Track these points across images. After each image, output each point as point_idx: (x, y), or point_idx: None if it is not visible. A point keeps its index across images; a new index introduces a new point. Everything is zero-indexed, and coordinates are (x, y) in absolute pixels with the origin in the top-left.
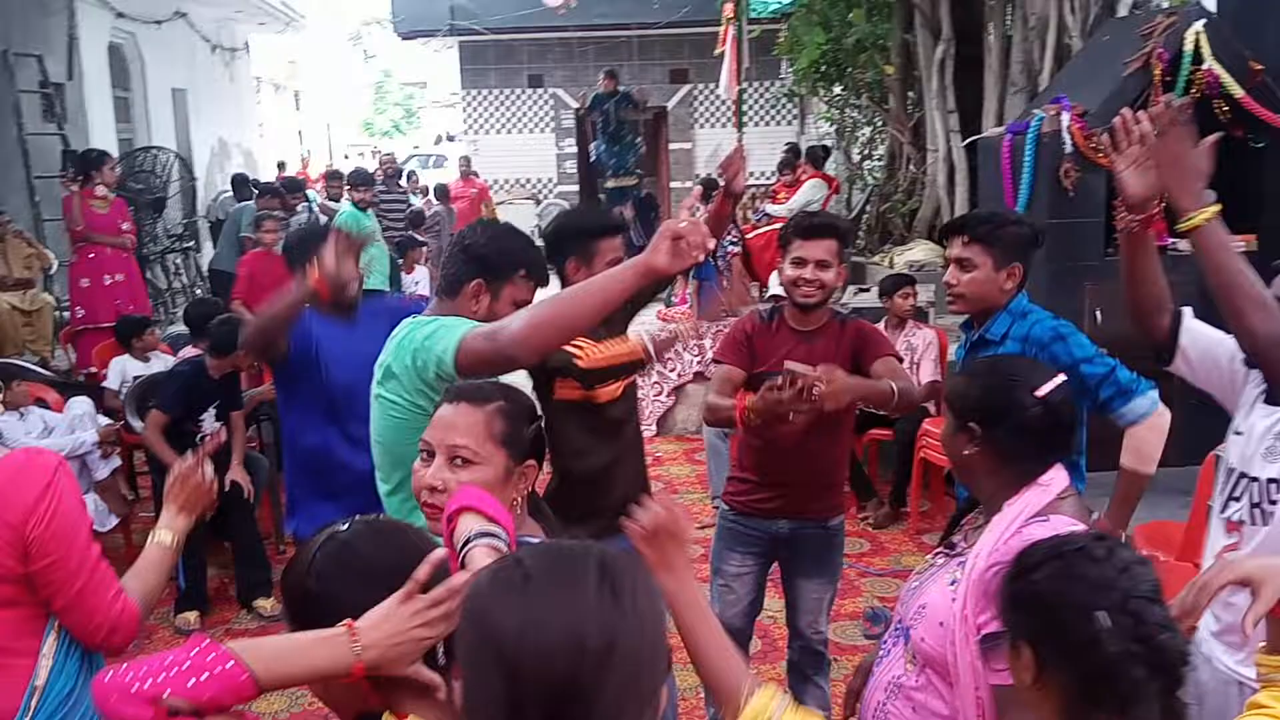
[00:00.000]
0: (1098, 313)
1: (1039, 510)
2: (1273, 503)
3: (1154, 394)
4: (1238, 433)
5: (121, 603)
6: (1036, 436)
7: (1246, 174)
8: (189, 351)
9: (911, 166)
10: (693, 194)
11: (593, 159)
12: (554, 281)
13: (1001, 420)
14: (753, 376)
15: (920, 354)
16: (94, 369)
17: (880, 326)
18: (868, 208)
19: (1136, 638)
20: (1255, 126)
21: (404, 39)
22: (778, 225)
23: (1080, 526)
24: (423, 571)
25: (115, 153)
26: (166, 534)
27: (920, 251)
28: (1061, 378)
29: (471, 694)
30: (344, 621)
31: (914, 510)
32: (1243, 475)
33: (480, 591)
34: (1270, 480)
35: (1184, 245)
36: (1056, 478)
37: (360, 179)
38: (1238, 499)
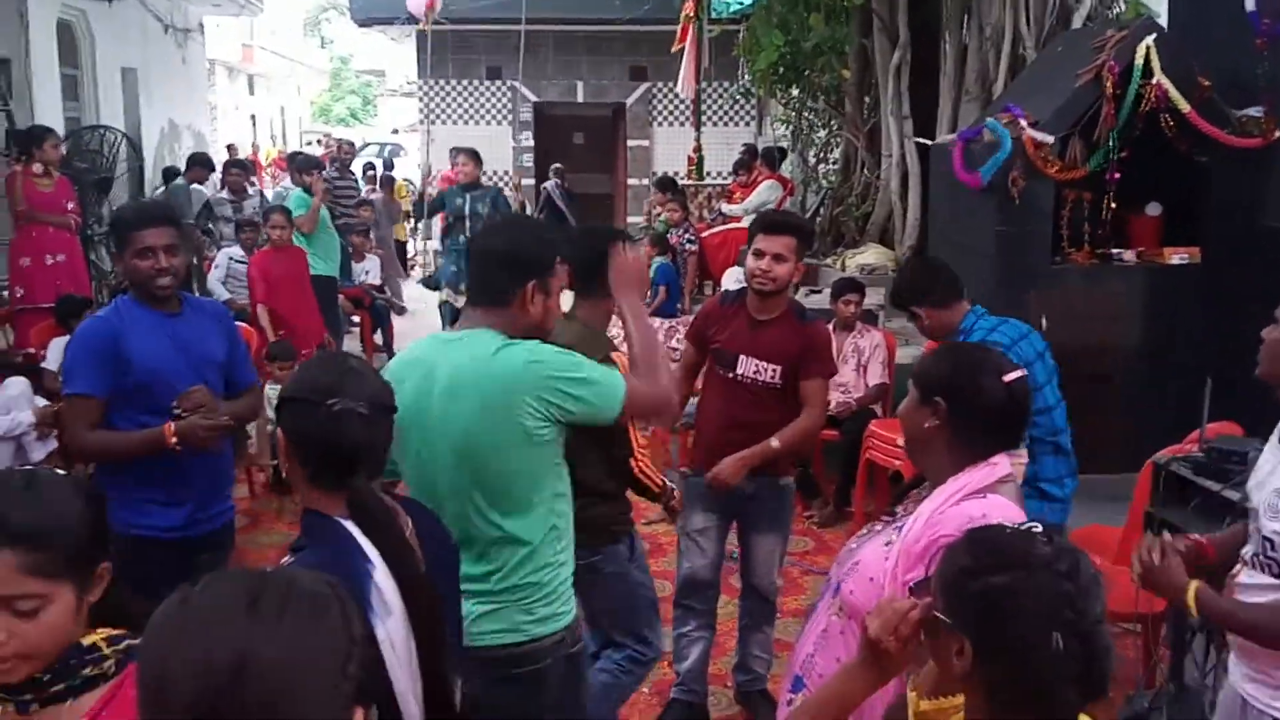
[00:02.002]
0: (1043, 319)
1: (980, 488)
2: (1269, 558)
3: None
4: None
5: None
6: (994, 420)
7: (1192, 188)
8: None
9: (866, 171)
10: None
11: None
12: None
13: (966, 400)
14: (710, 352)
15: (868, 356)
16: (32, 349)
17: (830, 328)
18: (821, 210)
19: (1083, 660)
20: (1200, 142)
21: (361, 26)
22: (733, 225)
23: (1016, 509)
24: None
25: (62, 131)
26: None
27: (872, 255)
28: (1023, 370)
29: None
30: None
31: (859, 510)
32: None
33: (151, 619)
34: (1266, 537)
35: (1129, 256)
36: (1002, 462)
37: (307, 163)
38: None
